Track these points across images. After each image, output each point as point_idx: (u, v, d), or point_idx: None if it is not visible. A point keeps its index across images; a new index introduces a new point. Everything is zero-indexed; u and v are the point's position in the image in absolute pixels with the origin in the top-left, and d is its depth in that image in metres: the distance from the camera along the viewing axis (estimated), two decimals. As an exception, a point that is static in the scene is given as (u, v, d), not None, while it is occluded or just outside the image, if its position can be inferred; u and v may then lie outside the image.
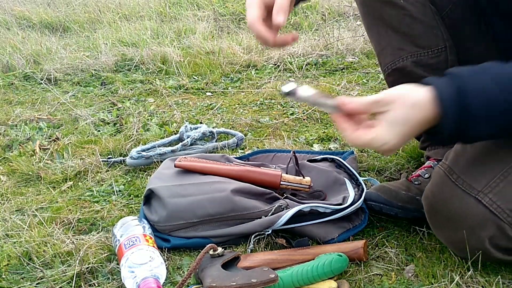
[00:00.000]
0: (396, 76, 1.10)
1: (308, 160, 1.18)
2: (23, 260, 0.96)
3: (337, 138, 1.43)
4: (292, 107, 1.67)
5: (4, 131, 1.59)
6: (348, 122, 0.75)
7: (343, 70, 2.03)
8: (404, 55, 1.06)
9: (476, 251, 0.82)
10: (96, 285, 0.90)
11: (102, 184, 1.26)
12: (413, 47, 1.04)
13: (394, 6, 1.02)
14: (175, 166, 1.10)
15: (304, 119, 1.58)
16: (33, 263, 0.95)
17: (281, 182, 1.05)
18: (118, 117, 1.66)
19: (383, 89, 1.17)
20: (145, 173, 1.30)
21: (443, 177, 0.83)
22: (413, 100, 0.71)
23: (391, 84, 1.15)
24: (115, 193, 1.21)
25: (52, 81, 2.06)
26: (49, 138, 1.54)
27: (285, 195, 1.04)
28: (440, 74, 1.01)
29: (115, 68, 2.16)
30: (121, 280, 0.88)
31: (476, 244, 0.81)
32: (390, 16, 1.04)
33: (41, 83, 2.02)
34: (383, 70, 1.13)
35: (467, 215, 0.79)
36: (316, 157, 1.21)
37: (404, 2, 1.00)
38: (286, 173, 1.09)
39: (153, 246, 0.92)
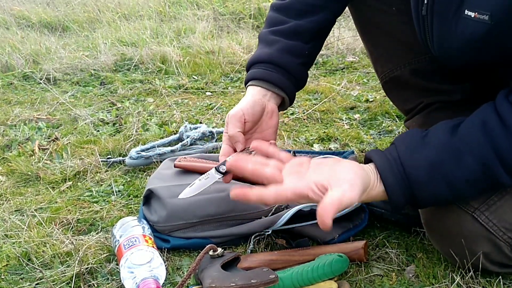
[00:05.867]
0: (393, 84, 1.09)
1: (308, 160, 1.18)
2: (22, 260, 0.96)
3: (337, 138, 1.43)
4: (292, 107, 1.66)
5: (3, 131, 1.59)
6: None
7: (344, 69, 2.03)
8: (402, 63, 1.05)
9: (472, 266, 0.82)
10: (96, 285, 0.89)
11: (102, 184, 1.25)
12: (410, 54, 1.03)
13: (386, 14, 1.01)
14: (174, 166, 1.10)
15: (304, 119, 1.58)
16: (32, 264, 0.95)
17: (281, 182, 1.04)
18: (117, 117, 1.66)
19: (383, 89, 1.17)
20: (145, 173, 1.30)
21: None
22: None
23: (388, 92, 1.14)
24: (115, 193, 1.21)
25: (51, 80, 2.06)
26: (48, 138, 1.53)
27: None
28: (437, 81, 1.02)
29: (114, 68, 2.15)
30: (120, 281, 0.88)
31: (471, 259, 0.81)
32: (385, 24, 1.03)
33: (40, 83, 2.02)
34: (380, 78, 1.12)
35: (462, 232, 0.79)
36: (316, 157, 1.21)
37: (395, 10, 1.00)
38: (286, 173, 1.08)
39: (153, 247, 0.92)
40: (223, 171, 0.87)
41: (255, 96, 0.93)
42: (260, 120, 0.94)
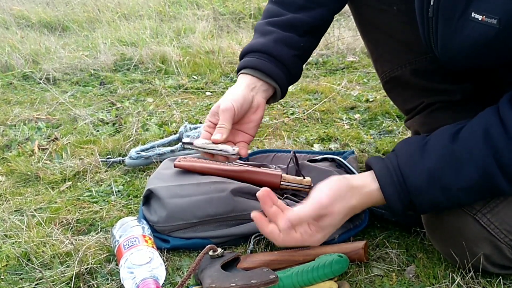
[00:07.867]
0: (393, 83, 1.09)
1: (308, 160, 1.18)
2: (22, 260, 0.96)
3: (337, 138, 1.43)
4: (292, 106, 1.66)
5: (3, 131, 1.59)
6: (271, 224, 0.80)
7: (344, 69, 2.03)
8: (402, 62, 1.05)
9: (472, 267, 0.82)
10: (95, 286, 0.89)
11: (101, 185, 1.25)
12: (410, 54, 1.03)
13: (387, 13, 1.01)
14: (174, 166, 1.09)
15: (304, 119, 1.58)
16: (32, 264, 0.95)
17: (281, 183, 1.04)
18: (117, 117, 1.66)
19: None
20: (144, 173, 1.29)
21: None
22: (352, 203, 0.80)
23: (388, 91, 1.14)
24: (114, 194, 1.20)
25: (51, 80, 2.06)
26: (48, 138, 1.53)
27: (286, 196, 1.04)
28: (438, 81, 1.02)
29: (114, 68, 2.15)
30: (120, 281, 0.87)
31: (472, 260, 0.81)
32: (385, 23, 1.03)
33: (40, 83, 2.02)
34: (380, 77, 1.13)
35: (463, 234, 0.79)
36: (316, 157, 1.21)
37: (396, 10, 1.00)
38: (286, 174, 1.08)
39: (153, 247, 0.91)
40: (185, 141, 0.92)
41: (244, 91, 0.92)
42: (245, 115, 0.94)
